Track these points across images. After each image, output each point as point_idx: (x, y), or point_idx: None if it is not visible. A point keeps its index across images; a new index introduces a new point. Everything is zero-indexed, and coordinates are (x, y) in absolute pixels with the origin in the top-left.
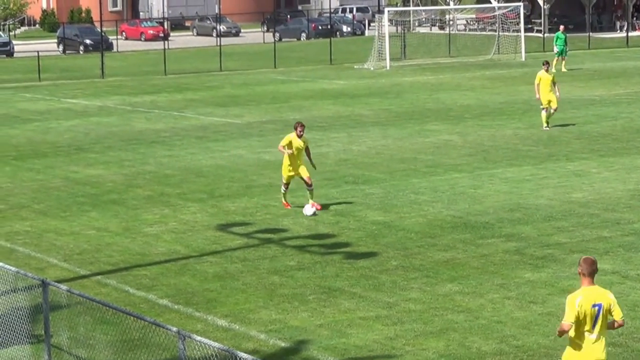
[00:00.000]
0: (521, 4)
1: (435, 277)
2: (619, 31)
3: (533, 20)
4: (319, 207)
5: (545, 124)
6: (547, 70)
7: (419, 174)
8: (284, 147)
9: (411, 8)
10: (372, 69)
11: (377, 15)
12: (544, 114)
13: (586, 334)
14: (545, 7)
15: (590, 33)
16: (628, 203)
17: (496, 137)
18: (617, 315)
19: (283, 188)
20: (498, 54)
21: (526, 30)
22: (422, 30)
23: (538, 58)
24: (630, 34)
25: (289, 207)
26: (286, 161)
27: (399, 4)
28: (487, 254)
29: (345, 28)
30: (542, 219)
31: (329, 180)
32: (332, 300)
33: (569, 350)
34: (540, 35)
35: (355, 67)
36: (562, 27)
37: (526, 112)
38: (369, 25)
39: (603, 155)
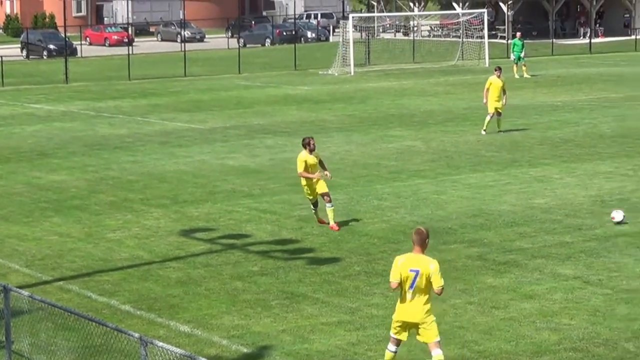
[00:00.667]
0: (485, 10)
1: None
2: (582, 38)
3: (497, 27)
4: (336, 228)
5: (484, 128)
6: (498, 76)
7: (382, 179)
8: (305, 171)
9: (375, 14)
10: (336, 74)
11: (341, 21)
12: (487, 118)
13: (406, 293)
14: (509, 13)
15: (554, 40)
16: (590, 209)
17: (459, 143)
18: (435, 283)
19: (312, 208)
20: (462, 60)
21: (490, 36)
22: (386, 36)
23: (502, 64)
24: (593, 40)
25: (336, 228)
26: (303, 182)
27: (363, 10)
28: (450, 260)
29: (309, 34)
30: (505, 225)
31: (292, 185)
32: (295, 305)
33: (397, 305)
34: (504, 41)
35: (319, 72)
36: (519, 34)
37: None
38: (333, 31)
39: (565, 161)
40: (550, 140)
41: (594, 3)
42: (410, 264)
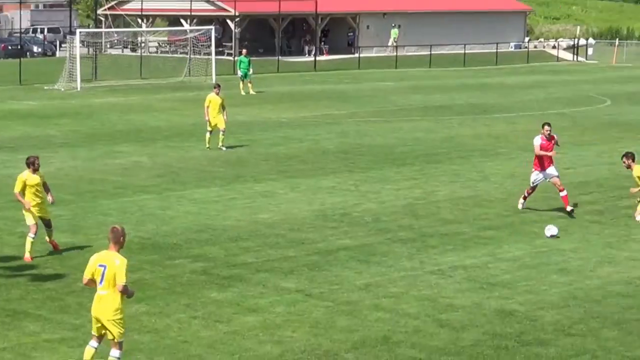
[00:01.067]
0: (212, 27)
1: (123, 299)
2: (307, 55)
3: (224, 44)
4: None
5: (207, 145)
6: (217, 94)
7: (108, 195)
8: (23, 192)
9: (103, 30)
10: (62, 89)
11: (68, 37)
12: (207, 135)
13: (98, 289)
14: (236, 31)
15: (280, 57)
16: (312, 223)
17: (186, 158)
18: (118, 279)
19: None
20: (189, 76)
21: (217, 53)
22: (114, 51)
23: (229, 81)
24: (318, 58)
25: (29, 259)
26: (29, 204)
27: (91, 26)
28: (175, 275)
29: (35, 48)
30: (229, 240)
31: (16, 202)
32: (17, 323)
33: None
34: (231, 58)
35: (45, 87)
36: (244, 51)
37: (214, 135)
38: (60, 46)
39: (290, 177)
40: (275, 156)
41: (320, 22)
42: (100, 260)
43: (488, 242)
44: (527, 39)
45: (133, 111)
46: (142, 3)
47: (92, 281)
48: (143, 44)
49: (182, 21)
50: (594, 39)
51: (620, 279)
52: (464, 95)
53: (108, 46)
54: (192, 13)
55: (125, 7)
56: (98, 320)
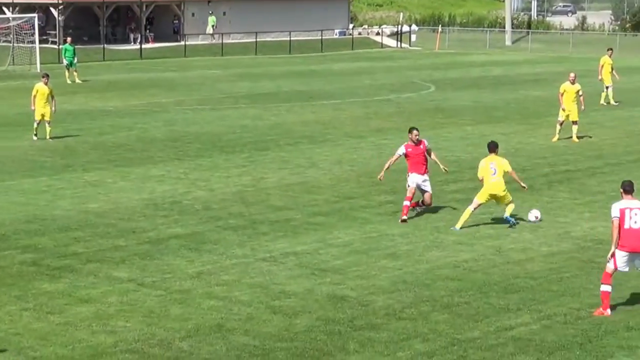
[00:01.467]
0: (36, 15)
1: None
2: (132, 43)
3: (48, 32)
4: None
5: (35, 135)
6: (45, 83)
7: None
8: None
9: None
10: None
11: None
12: (35, 125)
13: None
14: (59, 18)
15: (105, 45)
16: (143, 212)
17: (13, 148)
18: None
19: None
20: (13, 65)
21: (41, 41)
22: None
23: (54, 70)
24: (144, 46)
25: None
26: None
27: None
28: (4, 266)
29: None
30: (59, 230)
31: None
32: None
33: None
34: (56, 46)
35: None
36: (69, 39)
37: (42, 125)
38: None
39: (118, 166)
40: (104, 145)
41: (144, 9)
42: None
43: (318, 228)
44: (351, 25)
45: None
46: None
47: None
48: None
49: (5, 9)
50: (417, 25)
51: (449, 262)
52: (291, 82)
53: None
54: (14, 1)
55: None
56: None
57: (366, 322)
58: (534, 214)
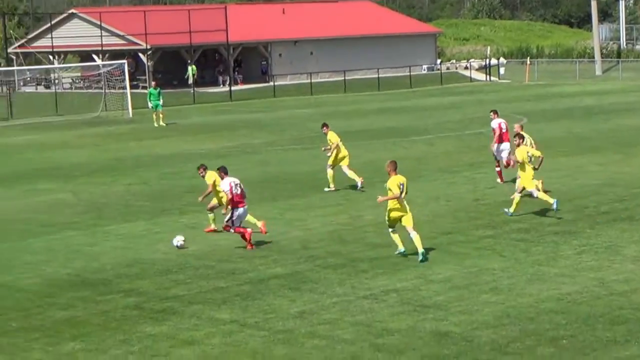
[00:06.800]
0: (125, 61)
1: (57, 337)
2: (222, 86)
3: (138, 77)
4: None
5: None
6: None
7: (34, 233)
8: None
9: (15, 68)
10: None
11: None
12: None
13: None
14: (149, 64)
15: (195, 88)
16: (241, 253)
17: (109, 193)
18: None
19: None
20: (105, 111)
21: (132, 87)
22: (27, 89)
23: (145, 114)
24: (232, 88)
25: None
26: None
27: (2, 64)
28: (108, 310)
29: None
30: (159, 273)
31: None
32: None
33: None
34: (146, 91)
35: None
36: (153, 83)
37: (137, 168)
38: None
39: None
40: (198, 188)
41: (232, 52)
42: None
43: (418, 264)
44: (438, 61)
45: (51, 148)
46: (52, 40)
47: None
48: (57, 81)
49: (94, 56)
50: (505, 58)
51: (552, 295)
52: (381, 119)
53: (21, 84)
54: (104, 48)
55: (36, 44)
56: None
57: (472, 358)
58: (178, 240)
